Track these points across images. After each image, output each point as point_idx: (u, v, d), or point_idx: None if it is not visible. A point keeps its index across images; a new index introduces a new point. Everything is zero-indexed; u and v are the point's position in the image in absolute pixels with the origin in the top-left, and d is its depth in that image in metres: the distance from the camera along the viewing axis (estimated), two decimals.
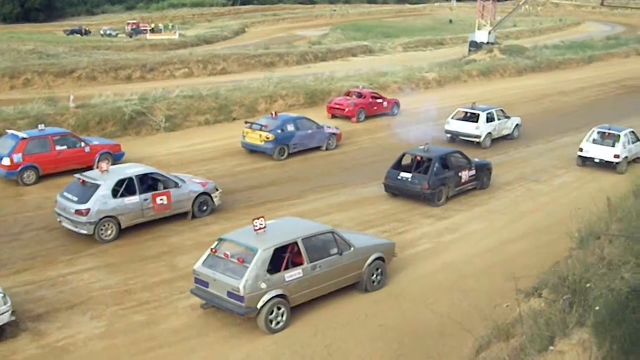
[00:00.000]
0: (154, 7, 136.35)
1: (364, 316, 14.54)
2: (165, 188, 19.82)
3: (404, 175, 22.32)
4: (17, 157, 22.65)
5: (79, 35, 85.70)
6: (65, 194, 18.79)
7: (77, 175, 19.35)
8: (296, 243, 14.21)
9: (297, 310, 14.39)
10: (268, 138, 27.03)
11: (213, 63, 53.66)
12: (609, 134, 27.17)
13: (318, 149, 28.97)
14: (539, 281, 12.27)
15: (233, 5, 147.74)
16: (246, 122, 28.49)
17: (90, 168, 22.93)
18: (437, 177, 21.94)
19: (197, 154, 27.85)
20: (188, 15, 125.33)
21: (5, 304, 13.18)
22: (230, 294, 13.41)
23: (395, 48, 77.16)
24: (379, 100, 36.02)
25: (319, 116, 32.74)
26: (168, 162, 25.87)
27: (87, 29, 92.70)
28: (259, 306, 13.43)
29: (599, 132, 27.60)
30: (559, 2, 76.50)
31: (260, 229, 14.10)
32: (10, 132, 24.20)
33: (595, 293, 8.92)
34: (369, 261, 15.51)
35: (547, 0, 72.60)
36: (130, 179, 18.98)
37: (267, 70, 51.71)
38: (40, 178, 23.19)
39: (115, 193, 18.52)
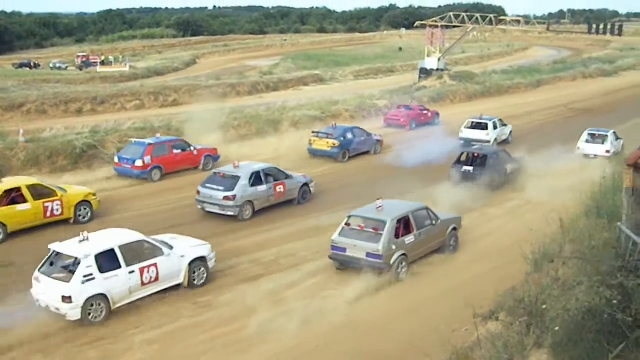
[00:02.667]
0: (104, 40, 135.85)
1: (323, 344, 14.46)
2: (277, 179, 24.92)
3: (466, 168, 28.04)
4: (147, 159, 28.07)
5: (27, 69, 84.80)
6: (208, 185, 23.90)
7: (215, 170, 25.26)
8: (408, 216, 18.87)
9: (253, 342, 14.31)
10: (334, 144, 32.76)
11: (164, 94, 53.32)
12: (598, 134, 33.99)
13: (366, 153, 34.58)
14: (495, 304, 12.35)
15: (183, 36, 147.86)
16: (313, 132, 34.27)
17: (196, 168, 29.87)
18: (493, 168, 27.63)
19: (152, 188, 27.72)
20: (138, 47, 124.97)
21: (212, 252, 18.15)
22: (369, 254, 17.87)
23: (346, 76, 77.69)
24: (425, 112, 43.83)
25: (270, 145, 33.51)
26: (124, 195, 26.18)
27: (36, 62, 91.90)
28: (391, 262, 17.93)
29: (589, 134, 34.19)
30: (506, 28, 77.72)
31: (380, 207, 18.71)
32: (134, 140, 29.57)
33: (551, 314, 9.00)
34: (449, 230, 20.36)
35: (495, 26, 73.83)
36: (258, 172, 24.34)
37: (219, 101, 51.62)
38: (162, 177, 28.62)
39: (250, 183, 23.72)
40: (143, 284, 16.24)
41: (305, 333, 14.95)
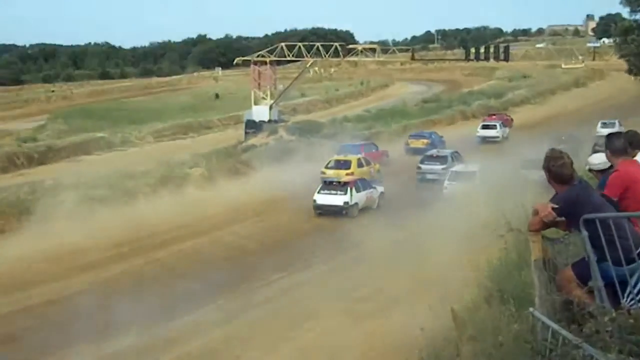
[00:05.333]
0: None
1: None
2: (457, 159, 52.73)
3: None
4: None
5: None
6: (426, 162, 51.44)
7: (427, 153, 53.62)
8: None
9: None
10: (427, 142, 62.28)
11: None
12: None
13: None
14: None
15: None
16: (410, 135, 65.68)
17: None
18: None
19: None
20: None
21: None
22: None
23: (143, 138, 76.51)
24: (508, 118, 78.87)
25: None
26: None
27: None
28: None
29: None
30: (358, 60, 79.96)
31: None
32: (343, 143, 58.57)
33: None
34: None
35: (342, 58, 75.67)
36: (452, 153, 53.17)
37: None
38: None
39: (451, 159, 51.94)
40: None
41: None
